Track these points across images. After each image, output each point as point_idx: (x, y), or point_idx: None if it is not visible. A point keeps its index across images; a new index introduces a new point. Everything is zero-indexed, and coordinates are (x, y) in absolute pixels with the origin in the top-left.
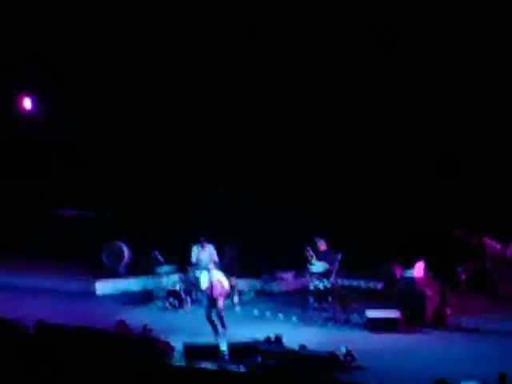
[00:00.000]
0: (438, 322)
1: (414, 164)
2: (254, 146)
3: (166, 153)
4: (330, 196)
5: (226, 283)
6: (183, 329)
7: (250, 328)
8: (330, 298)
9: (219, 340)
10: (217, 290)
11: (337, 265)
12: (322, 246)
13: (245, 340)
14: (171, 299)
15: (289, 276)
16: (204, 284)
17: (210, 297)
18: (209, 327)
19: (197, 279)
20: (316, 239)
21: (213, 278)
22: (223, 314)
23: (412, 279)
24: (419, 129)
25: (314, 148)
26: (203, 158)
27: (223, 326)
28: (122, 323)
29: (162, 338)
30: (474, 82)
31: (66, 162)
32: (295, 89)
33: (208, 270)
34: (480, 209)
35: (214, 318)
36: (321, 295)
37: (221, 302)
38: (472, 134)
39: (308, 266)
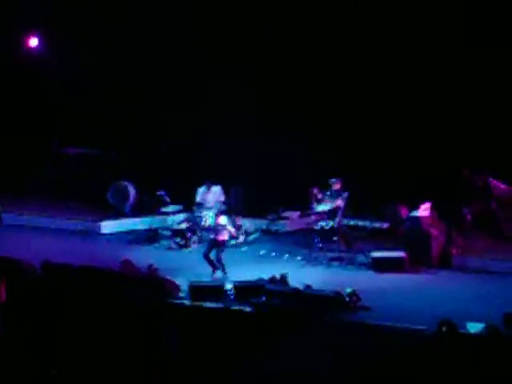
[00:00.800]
0: (444, 262)
1: (420, 103)
2: (262, 83)
3: (173, 92)
4: (337, 136)
5: (231, 228)
6: (188, 268)
7: (255, 268)
8: (335, 238)
9: (224, 279)
10: (221, 235)
11: (343, 204)
12: (337, 185)
13: (250, 279)
14: (177, 239)
15: (294, 216)
16: (208, 223)
17: (212, 239)
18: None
19: (201, 218)
20: (331, 179)
21: (218, 222)
22: (222, 258)
23: (418, 219)
24: (425, 67)
25: (319, 86)
26: (208, 95)
27: (223, 270)
28: (127, 262)
29: (168, 277)
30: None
31: (71, 100)
32: None
33: (214, 213)
34: (486, 149)
35: (213, 257)
36: (326, 235)
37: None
38: (479, 74)
39: (314, 205)
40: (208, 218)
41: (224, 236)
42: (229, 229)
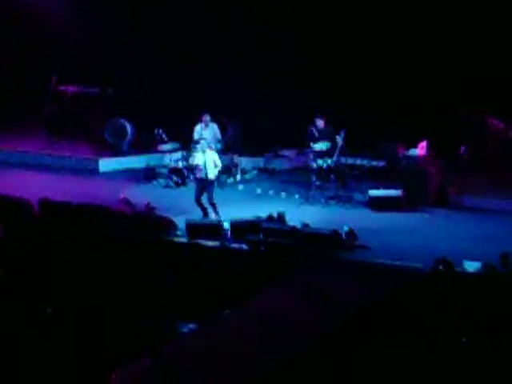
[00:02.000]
0: (441, 201)
1: (418, 39)
2: (257, 22)
3: (171, 29)
4: (335, 74)
5: (218, 162)
6: (185, 207)
7: (252, 206)
8: (332, 177)
9: (221, 218)
10: (210, 173)
11: (340, 143)
12: (321, 123)
13: (247, 218)
14: (174, 177)
15: (291, 154)
16: (195, 161)
17: (200, 178)
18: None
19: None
20: (315, 117)
21: (206, 158)
22: (214, 200)
23: (415, 158)
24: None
25: (318, 26)
26: (205, 33)
27: (216, 212)
28: (124, 200)
29: (165, 215)
30: None
31: (69, 37)
32: None
33: (203, 150)
34: (484, 86)
35: (204, 201)
36: (323, 174)
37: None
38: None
39: (311, 143)
40: (196, 154)
41: (211, 174)
42: (217, 164)
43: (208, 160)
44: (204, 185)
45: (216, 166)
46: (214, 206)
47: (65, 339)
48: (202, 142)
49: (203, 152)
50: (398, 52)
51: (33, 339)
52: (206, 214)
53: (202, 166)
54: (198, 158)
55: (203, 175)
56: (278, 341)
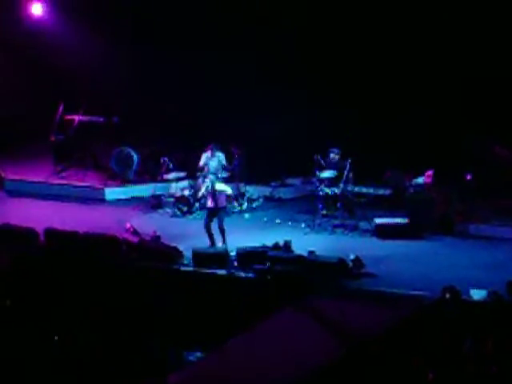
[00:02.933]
0: (447, 229)
1: (422, 68)
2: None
3: (176, 57)
4: (340, 103)
5: (228, 190)
6: (192, 235)
7: (258, 234)
8: (338, 205)
9: (228, 246)
10: (221, 201)
11: (346, 171)
12: (337, 155)
13: (253, 246)
14: (180, 205)
15: (297, 182)
16: (205, 195)
17: (210, 208)
18: (217, 234)
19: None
20: (331, 150)
21: (215, 187)
22: (224, 226)
23: (421, 186)
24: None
25: (325, 51)
26: (211, 62)
27: (223, 240)
28: (131, 229)
29: (171, 244)
30: None
31: (74, 67)
32: None
33: (211, 180)
34: (489, 116)
35: (213, 229)
36: (330, 202)
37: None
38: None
39: (317, 172)
40: (204, 185)
41: (223, 202)
42: (227, 193)
43: (218, 190)
44: (215, 212)
45: (226, 194)
46: (223, 231)
47: (71, 368)
48: (210, 176)
49: (212, 183)
50: (405, 80)
51: (39, 368)
52: (213, 242)
53: (211, 195)
54: (206, 188)
55: (213, 204)
56: (284, 368)
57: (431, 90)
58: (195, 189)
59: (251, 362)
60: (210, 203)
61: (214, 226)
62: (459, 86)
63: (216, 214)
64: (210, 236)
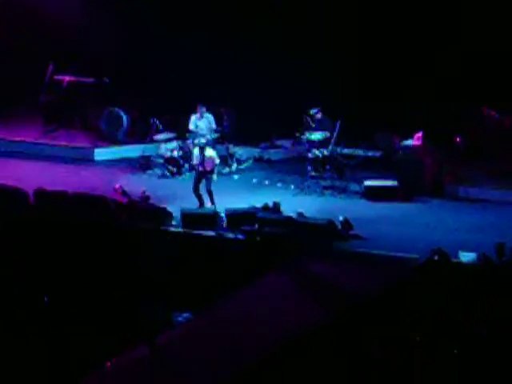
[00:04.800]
0: (436, 191)
1: (413, 32)
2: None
3: (168, 14)
4: (331, 62)
5: (216, 159)
6: (181, 196)
7: (247, 196)
8: (328, 167)
9: (216, 208)
10: (208, 166)
11: (335, 133)
12: (318, 114)
13: (242, 207)
14: (169, 166)
15: (287, 144)
16: (195, 159)
17: (199, 171)
18: (206, 196)
19: (190, 152)
20: (312, 109)
21: (205, 153)
22: (212, 188)
23: (410, 148)
24: None
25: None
26: (202, 23)
27: (212, 201)
28: (120, 189)
29: (160, 204)
30: None
31: (65, 26)
32: None
33: (201, 144)
34: (479, 78)
35: (202, 191)
36: (319, 163)
37: (214, 176)
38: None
39: (306, 133)
40: (196, 152)
41: (210, 166)
42: (214, 159)
43: (206, 155)
44: (203, 175)
45: (214, 162)
46: (210, 193)
47: (60, 328)
48: (200, 138)
49: (201, 147)
50: (396, 43)
51: (29, 328)
52: (202, 203)
53: (200, 160)
54: (196, 152)
55: (202, 167)
56: (272, 329)
57: (424, 55)
58: (184, 150)
59: (239, 322)
60: (198, 167)
61: (203, 188)
62: (450, 49)
63: (204, 177)
64: (199, 197)
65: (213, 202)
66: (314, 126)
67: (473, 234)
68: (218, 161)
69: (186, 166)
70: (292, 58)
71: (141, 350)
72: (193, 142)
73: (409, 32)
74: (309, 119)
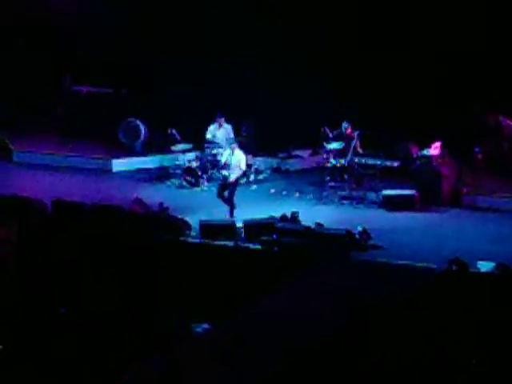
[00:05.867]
0: (454, 201)
1: (434, 40)
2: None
3: (185, 27)
4: (350, 75)
5: (243, 162)
6: (199, 206)
7: (266, 206)
8: (346, 176)
9: (235, 218)
10: (234, 174)
11: (354, 143)
12: (348, 130)
13: (261, 218)
14: (187, 177)
15: (305, 154)
16: (223, 160)
17: (223, 179)
18: (225, 205)
19: (214, 156)
20: (343, 123)
21: (233, 158)
22: (234, 200)
23: (429, 158)
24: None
25: (332, 24)
26: (221, 32)
27: (231, 214)
28: (138, 201)
29: (178, 215)
30: None
31: (83, 38)
32: None
33: (231, 149)
34: (498, 87)
35: (225, 197)
36: (337, 173)
37: (235, 186)
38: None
39: (325, 143)
40: (224, 154)
41: (236, 174)
42: (242, 167)
43: (234, 161)
44: (227, 185)
45: (240, 168)
46: (232, 204)
47: (79, 338)
48: (223, 142)
49: (232, 151)
50: (414, 53)
51: (47, 338)
52: (232, 208)
53: (228, 161)
54: (225, 156)
55: (227, 175)
56: (291, 339)
57: (441, 63)
58: (202, 160)
59: (257, 333)
60: (225, 174)
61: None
62: (467, 57)
63: (228, 187)
64: (225, 201)
65: (232, 215)
66: (331, 136)
67: (491, 243)
68: (244, 165)
69: (204, 176)
70: (310, 69)
71: (159, 361)
72: (211, 151)
73: (427, 40)
74: (327, 129)
